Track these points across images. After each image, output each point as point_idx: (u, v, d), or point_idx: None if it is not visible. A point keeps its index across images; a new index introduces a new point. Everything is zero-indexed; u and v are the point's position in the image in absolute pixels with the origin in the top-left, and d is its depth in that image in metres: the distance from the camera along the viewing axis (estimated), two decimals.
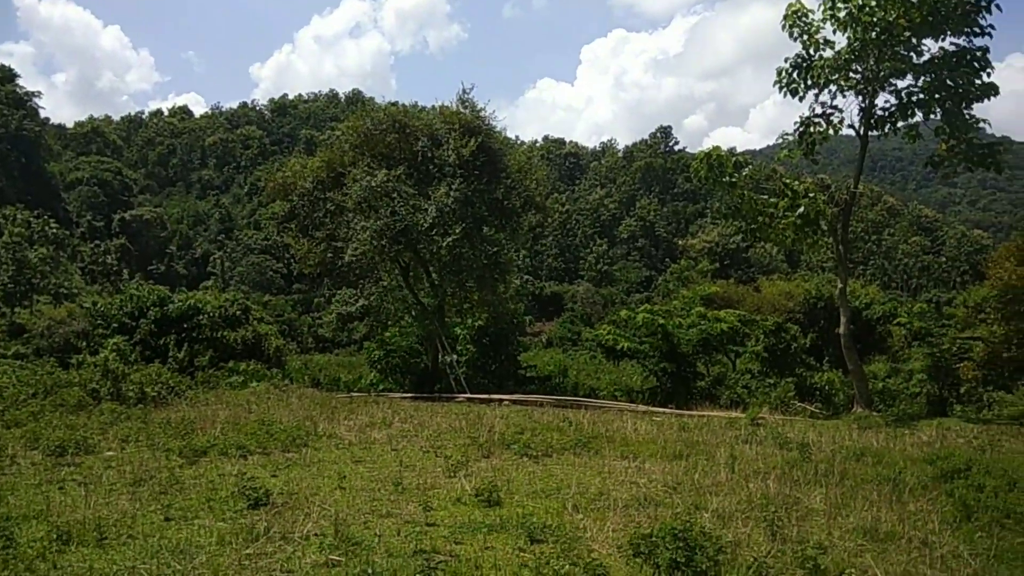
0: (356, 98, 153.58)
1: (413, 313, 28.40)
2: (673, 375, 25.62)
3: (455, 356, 27.15)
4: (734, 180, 23.68)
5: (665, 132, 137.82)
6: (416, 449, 12.21)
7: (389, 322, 29.61)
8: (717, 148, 24.92)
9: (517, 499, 8.95)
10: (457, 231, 24.34)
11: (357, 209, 25.50)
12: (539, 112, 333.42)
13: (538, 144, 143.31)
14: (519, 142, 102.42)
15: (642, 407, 21.16)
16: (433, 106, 30.11)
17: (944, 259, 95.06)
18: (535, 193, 28.06)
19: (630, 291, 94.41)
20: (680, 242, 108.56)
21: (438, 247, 24.83)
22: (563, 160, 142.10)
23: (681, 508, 8.48)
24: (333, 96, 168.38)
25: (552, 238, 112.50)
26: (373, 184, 24.88)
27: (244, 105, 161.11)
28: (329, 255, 26.66)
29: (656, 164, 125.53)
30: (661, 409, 20.92)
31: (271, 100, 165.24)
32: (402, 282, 28.21)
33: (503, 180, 26.98)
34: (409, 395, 24.51)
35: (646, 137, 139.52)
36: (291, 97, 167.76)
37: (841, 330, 22.79)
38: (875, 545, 7.44)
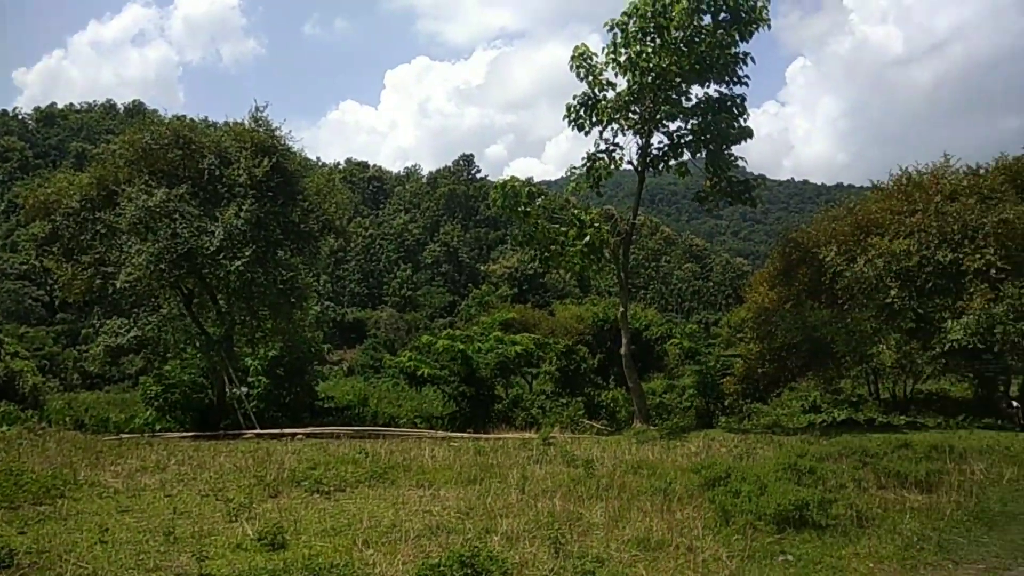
0: (137, 109, 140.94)
1: (197, 344, 26.27)
2: (472, 399, 26.02)
3: (246, 389, 25.50)
4: (528, 210, 24.71)
5: (468, 160, 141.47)
6: (193, 494, 11.23)
7: (169, 354, 27.15)
8: (513, 179, 25.91)
9: (304, 539, 8.52)
10: (247, 254, 22.95)
11: (132, 231, 23.19)
12: (342, 134, 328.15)
13: (340, 166, 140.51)
14: (320, 163, 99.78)
15: (441, 433, 21.23)
16: (225, 122, 28.40)
17: (712, 284, 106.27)
18: (335, 216, 27.31)
19: (434, 316, 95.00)
20: (482, 267, 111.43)
21: (226, 272, 23.23)
22: (367, 184, 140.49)
23: (472, 533, 8.56)
24: (110, 107, 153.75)
25: (355, 263, 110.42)
26: (151, 204, 22.78)
27: (4, 113, 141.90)
28: (98, 281, 23.97)
29: (459, 191, 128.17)
30: (459, 434, 21.12)
31: (37, 109, 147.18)
32: (184, 310, 26.03)
33: (300, 202, 25.98)
34: (190, 434, 22.58)
35: (450, 164, 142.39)
36: (60, 106, 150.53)
37: (623, 350, 24.49)
38: (647, 554, 7.97)
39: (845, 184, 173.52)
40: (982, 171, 22.11)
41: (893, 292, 20.49)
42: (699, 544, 8.30)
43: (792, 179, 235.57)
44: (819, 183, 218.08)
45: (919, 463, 12.61)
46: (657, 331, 42.85)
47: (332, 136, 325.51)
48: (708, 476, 10.70)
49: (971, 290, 19.65)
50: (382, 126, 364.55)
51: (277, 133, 26.40)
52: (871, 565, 7.45)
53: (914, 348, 25.01)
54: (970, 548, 8.01)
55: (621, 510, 9.76)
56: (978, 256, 19.58)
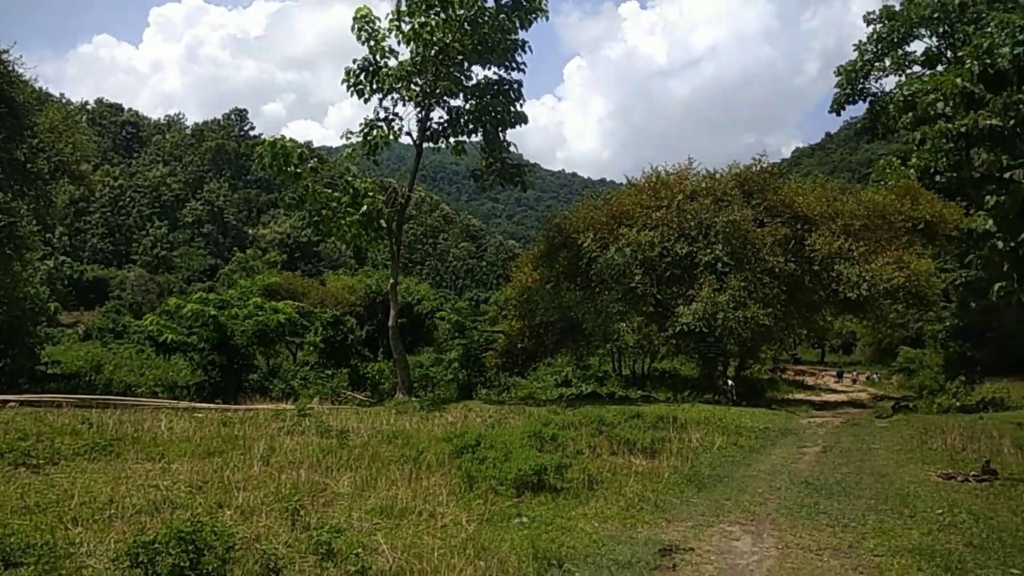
0: None
1: None
2: (224, 368, 24.34)
3: None
4: (299, 171, 23.57)
5: (241, 115, 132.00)
6: None
7: None
8: (283, 138, 24.57)
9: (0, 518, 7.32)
10: None
11: None
12: (95, 71, 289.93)
13: (88, 106, 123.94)
14: (63, 99, 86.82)
15: (184, 403, 19.58)
16: None
17: (485, 263, 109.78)
18: (71, 159, 24.04)
19: (191, 279, 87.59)
20: (251, 231, 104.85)
21: None
22: (119, 128, 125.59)
23: (202, 508, 7.92)
24: None
25: (100, 215, 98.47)
26: None
27: None
28: None
29: (229, 147, 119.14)
30: (205, 405, 19.64)
31: None
32: None
33: (28, 139, 22.56)
34: None
35: (220, 117, 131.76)
36: None
37: (390, 322, 24.38)
38: (389, 522, 7.91)
39: (608, 179, 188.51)
40: (718, 175, 25.02)
41: (638, 278, 22.48)
42: (442, 510, 8.40)
43: (563, 170, 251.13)
44: (586, 176, 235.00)
45: (646, 432, 13.96)
46: (429, 305, 43.33)
47: (82, 72, 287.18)
48: (459, 444, 10.91)
49: (701, 280, 22.14)
50: (143, 67, 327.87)
51: (3, 57, 22.61)
52: (596, 525, 8.03)
53: (652, 331, 27.72)
54: (682, 507, 8.96)
55: (369, 480, 9.62)
56: (709, 251, 22.12)
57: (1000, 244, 29.47)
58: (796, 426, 17.94)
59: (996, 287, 30.00)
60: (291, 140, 25.03)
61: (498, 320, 31.49)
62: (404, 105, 25.37)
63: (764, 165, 24.75)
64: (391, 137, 25.32)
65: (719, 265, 22.00)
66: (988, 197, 30.23)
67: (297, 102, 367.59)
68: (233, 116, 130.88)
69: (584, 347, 27.98)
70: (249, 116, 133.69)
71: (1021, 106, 29.55)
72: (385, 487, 9.25)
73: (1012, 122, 29.94)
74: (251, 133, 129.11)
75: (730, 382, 24.05)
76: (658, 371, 36.76)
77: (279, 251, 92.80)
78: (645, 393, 26.69)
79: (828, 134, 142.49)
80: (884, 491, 9.93)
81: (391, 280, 25.52)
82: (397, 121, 25.36)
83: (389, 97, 25.07)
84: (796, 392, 32.79)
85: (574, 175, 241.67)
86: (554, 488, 9.34)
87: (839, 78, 42.79)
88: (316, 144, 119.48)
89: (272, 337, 27.32)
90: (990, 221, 29.71)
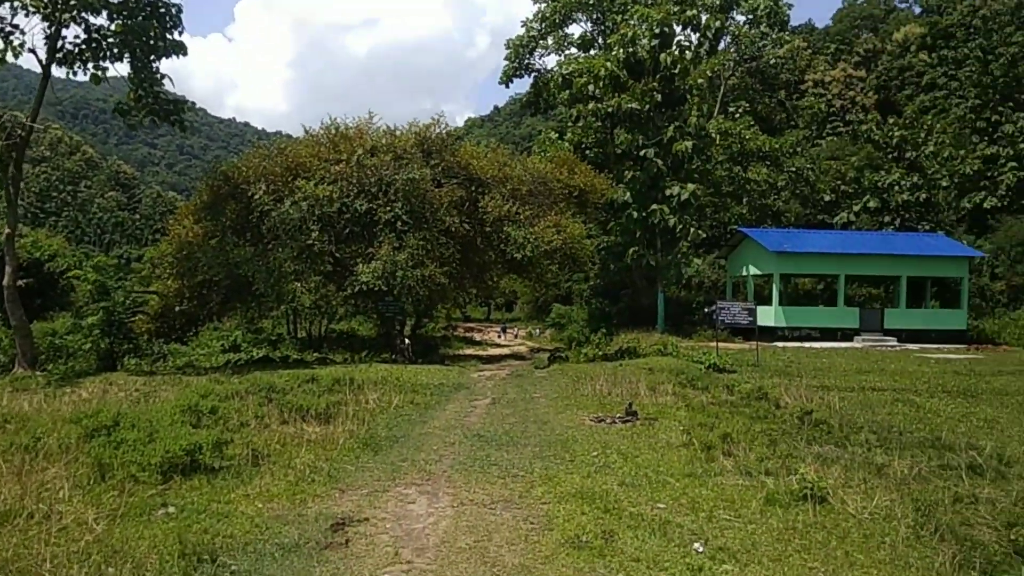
0: None
1: None
2: None
3: None
4: None
5: None
6: None
7: None
8: None
9: None
10: None
11: None
12: None
13: None
14: None
15: None
16: None
17: (139, 216, 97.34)
18: None
19: None
20: None
21: None
22: None
23: None
24: None
25: None
26: None
27: None
28: None
29: None
30: None
31: None
32: None
33: None
34: None
35: None
36: None
37: (6, 282, 19.95)
38: None
39: (284, 133, 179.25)
40: (398, 132, 24.70)
41: (315, 235, 21.33)
42: (63, 508, 6.79)
43: (235, 119, 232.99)
44: (260, 128, 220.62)
45: (321, 396, 13.21)
46: (64, 263, 36.87)
47: None
48: (90, 426, 9.04)
49: (381, 239, 21.76)
50: None
51: None
52: (260, 505, 7.13)
53: (331, 291, 26.78)
54: (357, 474, 8.43)
55: None
56: (389, 208, 21.78)
57: (635, 214, 34.06)
58: (468, 380, 18.63)
59: (631, 251, 34.70)
60: None
61: (152, 280, 27.69)
62: (28, 16, 20.66)
63: (443, 127, 25.03)
64: (10, 55, 20.46)
65: (399, 224, 21.81)
66: (627, 172, 34.71)
67: None
68: None
69: (256, 309, 25.97)
70: None
71: (655, 93, 34.23)
72: None
73: (647, 107, 34.56)
74: None
75: (407, 341, 24.23)
76: (336, 332, 35.88)
77: None
78: (322, 355, 25.69)
79: (496, 107, 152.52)
80: (547, 438, 10.53)
81: (6, 231, 20.85)
82: (17, 35, 20.56)
83: (5, 4, 20.19)
84: (466, 348, 34.52)
85: (247, 125, 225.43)
86: (211, 469, 8.17)
87: (508, 51, 45.41)
88: None
89: None
90: (628, 193, 34.16)
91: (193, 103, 24.35)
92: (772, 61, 50.46)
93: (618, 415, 12.16)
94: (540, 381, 18.27)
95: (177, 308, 23.75)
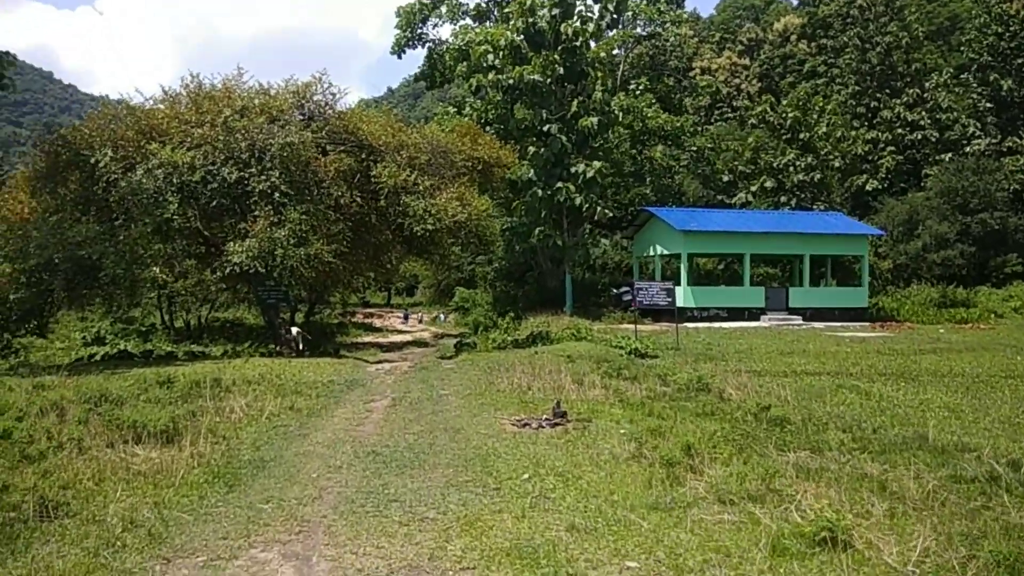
0: None
1: None
2: None
3: None
4: None
5: None
6: None
7: None
8: None
9: None
10: None
11: None
12: None
13: None
14: None
15: None
16: None
17: None
18: None
19: None
20: None
21: None
22: None
23: None
24: None
25: None
26: None
27: None
28: None
29: None
30: None
31: None
32: None
33: None
34: None
35: None
36: None
37: None
38: None
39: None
40: (273, 91, 21.44)
41: (174, 207, 18.00)
42: None
43: (107, 95, 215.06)
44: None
45: (170, 406, 10.44)
46: None
47: None
48: None
49: (256, 212, 18.73)
50: None
51: None
52: None
53: (207, 277, 23.43)
54: (195, 528, 5.90)
55: None
56: (264, 178, 18.73)
57: (540, 192, 32.20)
58: (364, 375, 16.16)
59: (537, 231, 32.86)
60: None
61: None
62: None
63: (326, 86, 21.92)
64: None
65: (276, 195, 18.76)
66: (530, 148, 32.76)
67: None
68: None
69: (114, 298, 22.25)
70: None
71: (557, 66, 32.35)
72: None
73: (550, 80, 32.66)
74: None
75: (295, 330, 21.32)
76: (219, 321, 32.12)
77: None
78: (199, 348, 22.27)
79: (390, 88, 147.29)
80: (462, 453, 8.32)
81: None
82: None
83: None
84: (366, 335, 31.70)
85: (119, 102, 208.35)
86: None
87: (399, 19, 42.32)
88: None
89: None
90: (532, 170, 32.24)
91: (14, 56, 20.29)
92: (671, 39, 49.67)
93: (544, 416, 10.09)
94: (448, 374, 16.03)
95: (11, 296, 19.85)
